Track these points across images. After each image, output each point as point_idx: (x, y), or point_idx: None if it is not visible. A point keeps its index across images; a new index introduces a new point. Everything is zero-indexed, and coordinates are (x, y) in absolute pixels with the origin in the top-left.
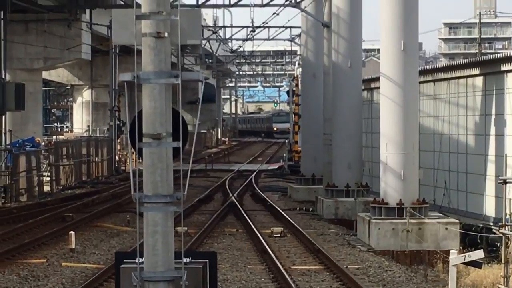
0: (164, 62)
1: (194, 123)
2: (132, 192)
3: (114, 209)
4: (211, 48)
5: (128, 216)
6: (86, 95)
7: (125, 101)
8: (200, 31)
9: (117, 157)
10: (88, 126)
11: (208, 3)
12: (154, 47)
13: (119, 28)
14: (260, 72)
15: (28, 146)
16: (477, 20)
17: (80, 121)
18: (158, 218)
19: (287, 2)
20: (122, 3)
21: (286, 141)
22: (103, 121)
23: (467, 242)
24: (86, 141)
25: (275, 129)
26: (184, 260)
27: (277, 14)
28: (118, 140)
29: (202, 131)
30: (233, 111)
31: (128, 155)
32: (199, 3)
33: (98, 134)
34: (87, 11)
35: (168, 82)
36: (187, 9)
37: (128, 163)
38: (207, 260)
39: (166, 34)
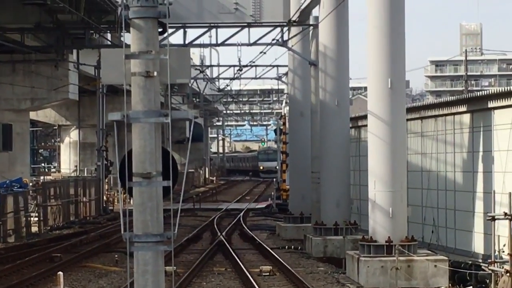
0: (154, 101)
1: (182, 162)
2: (122, 232)
3: (102, 249)
4: (198, 87)
5: (116, 256)
6: (74, 135)
7: (114, 141)
8: (189, 70)
9: (105, 197)
10: (76, 166)
11: (195, 42)
12: (143, 86)
13: (107, 67)
14: (247, 111)
15: (15, 187)
16: (463, 58)
17: (68, 161)
18: (149, 257)
19: (274, 41)
20: (109, 43)
21: (274, 179)
22: (91, 161)
23: (456, 279)
24: (73, 181)
25: (261, 168)
26: None
27: (264, 53)
28: (106, 180)
29: (190, 170)
30: (221, 150)
31: (116, 195)
32: (187, 42)
33: (85, 174)
34: (74, 51)
35: (158, 121)
36: (176, 48)
37: (116, 203)
38: None
39: (155, 73)
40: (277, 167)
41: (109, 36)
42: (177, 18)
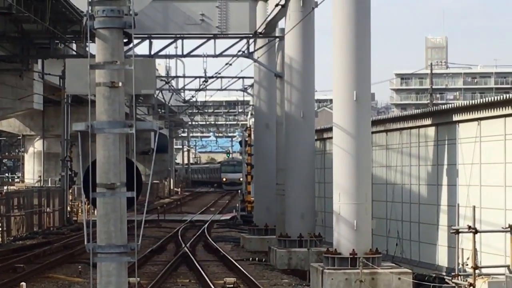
0: (118, 112)
1: (147, 173)
2: (85, 242)
3: (66, 260)
4: (163, 98)
5: (80, 267)
6: (38, 145)
7: (78, 151)
8: (154, 81)
9: (69, 208)
10: (40, 176)
11: (161, 53)
12: (108, 96)
13: (72, 77)
14: (212, 122)
15: None
16: (428, 71)
17: (32, 171)
18: (112, 268)
19: (240, 53)
20: (74, 53)
21: (239, 191)
22: (55, 172)
23: None
24: (37, 191)
25: (224, 179)
26: None
27: (230, 65)
28: (70, 191)
29: (154, 181)
30: (186, 161)
31: (80, 205)
32: (152, 53)
33: (49, 185)
34: (39, 61)
35: (122, 131)
36: (141, 59)
37: (80, 214)
38: None
39: (120, 84)
40: (241, 179)
41: (74, 46)
42: (142, 28)
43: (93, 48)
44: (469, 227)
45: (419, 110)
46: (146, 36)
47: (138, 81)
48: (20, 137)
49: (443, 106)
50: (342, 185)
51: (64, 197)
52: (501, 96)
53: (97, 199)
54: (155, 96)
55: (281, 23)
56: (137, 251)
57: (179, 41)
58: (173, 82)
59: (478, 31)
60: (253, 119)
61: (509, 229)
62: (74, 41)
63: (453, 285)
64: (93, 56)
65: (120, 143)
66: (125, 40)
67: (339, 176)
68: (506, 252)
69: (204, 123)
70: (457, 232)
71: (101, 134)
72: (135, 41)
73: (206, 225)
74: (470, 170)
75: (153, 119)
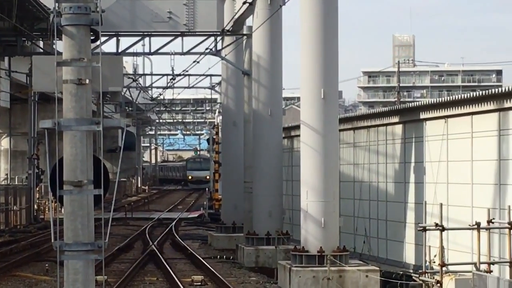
0: (85, 109)
1: (114, 171)
2: (52, 240)
3: (32, 258)
4: (131, 96)
5: (47, 265)
6: (5, 143)
7: (45, 149)
8: (121, 78)
9: (35, 206)
10: (6, 174)
11: (129, 50)
12: (75, 93)
13: (39, 74)
14: (180, 120)
15: None
16: (396, 69)
17: None
18: (79, 266)
19: (208, 50)
20: (41, 50)
21: (207, 189)
22: (22, 170)
23: None
24: (4, 189)
25: (189, 177)
26: None
27: (198, 62)
28: (37, 189)
29: (122, 179)
30: (153, 159)
31: (47, 203)
32: (120, 50)
33: (16, 183)
34: (6, 58)
35: (90, 129)
36: (109, 56)
37: (47, 212)
38: None
39: (87, 81)
40: (208, 177)
41: (41, 43)
42: (110, 26)
43: (60, 45)
44: (436, 225)
45: (387, 108)
46: (113, 33)
47: (105, 79)
48: None
49: (410, 104)
50: (309, 183)
51: (31, 195)
52: (468, 94)
53: (64, 196)
54: (123, 94)
55: (248, 21)
56: (104, 249)
57: (147, 39)
58: (141, 80)
59: (445, 29)
60: (220, 117)
61: (475, 226)
62: (41, 39)
63: (420, 282)
64: (60, 53)
65: (87, 141)
66: (92, 37)
67: (306, 174)
68: (473, 249)
69: (171, 121)
70: (424, 229)
71: (68, 131)
72: (103, 39)
73: (173, 223)
74: (437, 168)
75: (121, 117)
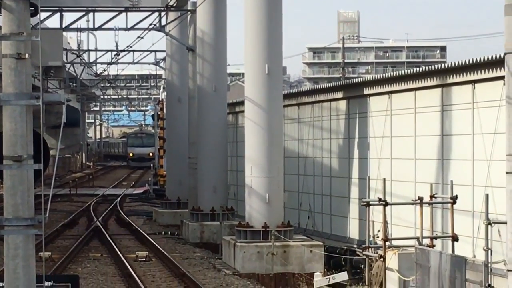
0: (25, 84)
1: (60, 147)
2: None
3: None
4: (75, 71)
5: None
6: None
7: None
8: (61, 52)
9: None
10: None
11: (72, 26)
12: (14, 68)
13: None
14: (125, 96)
15: None
16: (340, 45)
17: None
18: (19, 241)
19: (152, 26)
20: None
21: (151, 165)
22: None
23: (332, 265)
24: None
25: (130, 154)
26: (46, 284)
27: (142, 38)
28: None
29: (66, 155)
30: (98, 135)
31: None
32: (64, 26)
33: None
34: None
35: (29, 103)
36: (48, 30)
37: None
38: (69, 284)
39: (27, 55)
40: (152, 154)
41: None
42: (53, 1)
43: None
44: (380, 200)
45: (331, 84)
46: (56, 9)
47: (45, 53)
48: None
49: (354, 79)
50: (254, 159)
51: None
52: (411, 70)
53: (4, 171)
54: (67, 69)
55: None
56: (45, 224)
57: (91, 14)
58: (85, 56)
59: (390, 5)
60: (165, 93)
61: (418, 201)
62: None
63: (364, 257)
64: None
65: (27, 115)
66: (32, 11)
67: (251, 150)
68: (416, 224)
69: (116, 97)
70: (368, 204)
71: (7, 106)
72: (45, 14)
73: (118, 199)
74: (381, 143)
75: (65, 93)
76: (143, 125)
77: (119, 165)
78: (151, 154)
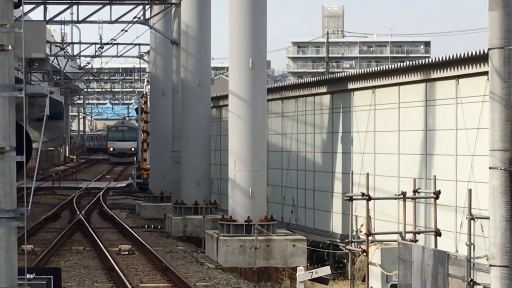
0: (8, 75)
1: (44, 140)
2: None
3: None
4: (59, 64)
5: None
6: None
7: None
8: (44, 44)
9: None
10: None
11: (56, 19)
12: None
13: None
14: (109, 89)
15: None
16: (325, 40)
17: None
18: (1, 233)
19: (136, 19)
20: None
21: (135, 158)
22: None
23: (315, 259)
24: None
25: (110, 149)
26: (28, 276)
27: (126, 31)
28: None
29: (50, 148)
30: (82, 128)
31: None
32: (47, 19)
33: None
34: None
35: (12, 95)
36: (31, 22)
37: None
38: (51, 276)
39: (10, 47)
40: (133, 148)
41: None
42: None
43: None
44: (363, 194)
45: (315, 78)
46: (40, 1)
47: (28, 45)
48: None
49: (338, 74)
50: (237, 153)
51: None
52: (396, 65)
53: None
54: (50, 62)
55: None
56: (28, 216)
57: (75, 7)
58: (69, 49)
59: (374, 0)
60: (149, 86)
61: (402, 196)
62: None
63: (347, 251)
64: None
65: (10, 107)
66: (15, 2)
67: (234, 144)
68: (399, 219)
69: (100, 90)
70: (351, 199)
71: None
72: (29, 6)
73: (101, 192)
74: (364, 138)
75: (48, 86)
76: (126, 119)
77: (102, 158)
78: (133, 149)
